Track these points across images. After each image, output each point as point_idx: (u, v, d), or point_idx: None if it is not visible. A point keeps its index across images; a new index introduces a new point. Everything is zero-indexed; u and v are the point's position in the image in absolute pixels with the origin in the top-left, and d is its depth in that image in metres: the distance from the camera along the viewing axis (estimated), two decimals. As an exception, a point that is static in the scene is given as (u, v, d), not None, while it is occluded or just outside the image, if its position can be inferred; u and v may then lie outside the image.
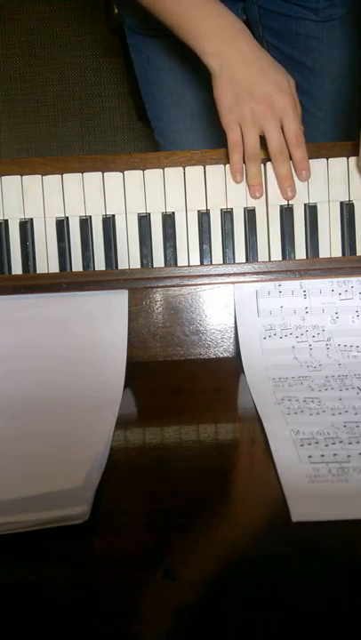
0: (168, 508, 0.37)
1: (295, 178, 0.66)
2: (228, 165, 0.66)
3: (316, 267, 0.64)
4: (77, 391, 0.56)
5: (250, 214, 0.66)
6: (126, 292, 0.64)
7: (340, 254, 0.66)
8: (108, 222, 0.67)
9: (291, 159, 0.65)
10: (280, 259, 0.66)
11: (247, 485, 0.41)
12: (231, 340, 0.65)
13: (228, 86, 0.65)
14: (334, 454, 0.40)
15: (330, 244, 0.66)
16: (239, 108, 0.64)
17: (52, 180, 0.67)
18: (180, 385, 0.60)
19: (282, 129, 0.65)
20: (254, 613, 0.27)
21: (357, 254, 0.66)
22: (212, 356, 0.65)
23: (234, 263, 0.66)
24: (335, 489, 0.37)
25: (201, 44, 0.65)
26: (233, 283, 0.65)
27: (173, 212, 0.67)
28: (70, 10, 1.44)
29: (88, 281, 0.65)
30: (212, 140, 0.90)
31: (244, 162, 0.66)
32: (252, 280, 0.64)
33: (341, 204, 0.66)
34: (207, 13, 0.65)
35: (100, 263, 0.67)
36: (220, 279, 0.65)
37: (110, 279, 0.65)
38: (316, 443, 0.42)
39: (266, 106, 0.63)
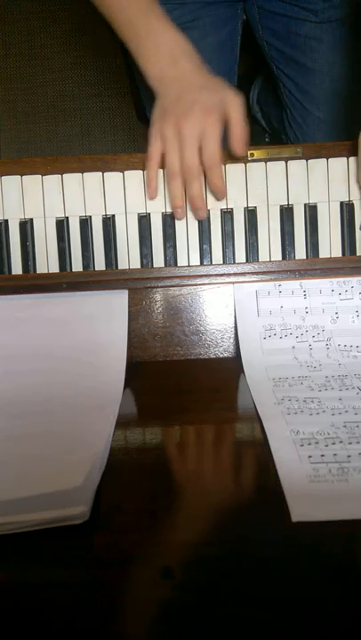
0: (168, 508, 0.37)
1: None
2: (227, 165, 0.66)
3: (316, 267, 0.64)
4: (77, 391, 0.56)
5: (250, 214, 0.66)
6: (126, 292, 0.64)
7: (340, 254, 0.66)
8: (108, 222, 0.67)
9: (206, 181, 0.64)
10: (280, 259, 0.66)
11: (247, 485, 0.41)
12: (231, 340, 0.65)
13: (159, 104, 0.65)
14: (334, 454, 0.40)
15: (330, 244, 0.66)
16: (161, 125, 0.63)
17: (52, 180, 0.67)
18: (180, 385, 0.60)
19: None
20: (254, 613, 0.27)
21: (357, 254, 0.66)
22: (212, 356, 0.65)
23: (234, 263, 0.66)
24: (335, 489, 0.37)
25: (146, 65, 0.66)
26: (233, 283, 0.65)
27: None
28: (70, 10, 1.44)
29: (88, 281, 0.65)
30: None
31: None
32: (252, 280, 0.64)
33: (341, 204, 0.66)
34: (154, 37, 0.65)
35: (100, 263, 0.67)
36: (220, 279, 0.65)
37: (110, 279, 0.65)
38: (316, 443, 0.42)
39: (183, 124, 0.62)
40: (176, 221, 0.67)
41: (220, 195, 0.65)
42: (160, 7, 0.66)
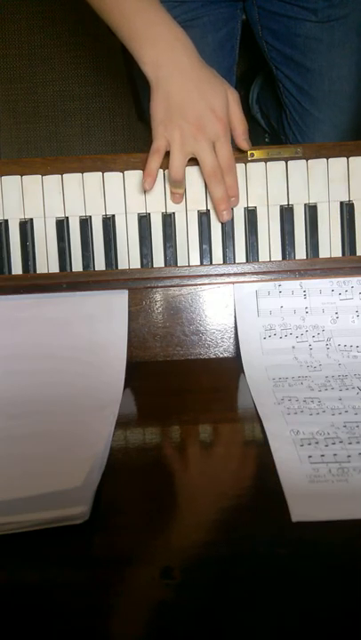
0: (168, 508, 0.37)
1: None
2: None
3: (316, 267, 0.64)
4: (77, 391, 0.56)
5: (250, 214, 0.66)
6: (126, 292, 0.64)
7: (340, 254, 0.66)
8: (108, 222, 0.67)
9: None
10: (280, 259, 0.66)
11: (247, 485, 0.41)
12: (231, 340, 0.65)
13: (163, 100, 0.63)
14: (334, 454, 0.40)
15: (330, 244, 0.66)
16: (170, 126, 0.63)
17: (52, 180, 0.67)
18: (180, 385, 0.60)
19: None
20: (254, 613, 0.27)
21: (357, 254, 0.66)
22: (212, 356, 0.65)
23: (234, 263, 0.66)
24: (335, 489, 0.37)
25: (140, 51, 0.63)
26: (233, 283, 0.65)
27: (173, 212, 0.67)
28: (70, 10, 1.44)
29: (88, 281, 0.65)
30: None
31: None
32: (252, 280, 0.64)
33: (341, 204, 0.66)
34: (148, 20, 0.63)
35: (100, 263, 0.67)
36: (220, 279, 0.65)
37: (110, 279, 0.65)
38: (316, 443, 0.42)
39: (197, 128, 0.62)
40: (176, 221, 0.67)
41: (235, 200, 0.66)
42: None
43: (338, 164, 0.66)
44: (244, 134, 0.65)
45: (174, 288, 0.65)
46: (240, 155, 0.66)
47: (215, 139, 0.63)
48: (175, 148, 0.63)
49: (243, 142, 0.65)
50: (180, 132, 0.63)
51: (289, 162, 0.66)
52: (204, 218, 0.66)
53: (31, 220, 0.67)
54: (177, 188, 0.65)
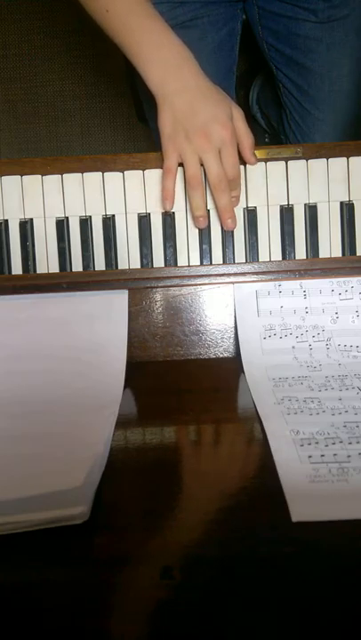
0: (168, 508, 0.37)
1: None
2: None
3: (316, 267, 0.64)
4: (77, 391, 0.56)
5: (250, 214, 0.66)
6: (126, 292, 0.64)
7: (340, 254, 0.66)
8: (108, 222, 0.67)
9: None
10: (280, 259, 0.66)
11: (247, 485, 0.41)
12: (231, 340, 0.65)
13: (169, 114, 0.64)
14: (334, 454, 0.40)
15: (330, 244, 0.66)
16: (178, 139, 0.64)
17: (52, 179, 0.67)
18: (180, 385, 0.60)
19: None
20: (254, 613, 0.27)
21: (357, 254, 0.66)
22: (212, 356, 0.65)
23: (234, 263, 0.66)
24: (335, 489, 0.37)
25: (146, 70, 0.65)
26: (233, 283, 0.65)
27: (173, 212, 0.67)
28: (70, 10, 1.44)
29: (88, 281, 0.65)
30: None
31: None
32: (252, 280, 0.64)
33: (341, 204, 0.66)
34: (155, 41, 0.64)
35: (100, 263, 0.67)
36: (220, 279, 0.65)
37: (110, 279, 0.65)
38: (317, 443, 0.42)
39: (203, 137, 0.62)
40: (176, 221, 0.67)
41: (235, 204, 0.66)
42: (156, 11, 0.66)
43: (338, 164, 0.66)
44: (250, 148, 0.65)
45: (174, 288, 0.65)
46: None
47: (221, 145, 0.63)
48: (187, 157, 0.64)
49: (250, 156, 0.65)
50: (188, 142, 0.63)
51: (289, 162, 0.66)
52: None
53: (31, 220, 0.67)
54: (198, 209, 0.65)
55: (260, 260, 0.66)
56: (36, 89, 1.53)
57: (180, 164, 0.65)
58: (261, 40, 0.94)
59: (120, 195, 0.67)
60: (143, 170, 0.67)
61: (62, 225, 0.67)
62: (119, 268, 0.67)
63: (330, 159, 0.66)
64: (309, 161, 0.66)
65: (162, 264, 0.66)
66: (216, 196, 0.64)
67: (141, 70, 0.65)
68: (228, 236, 0.66)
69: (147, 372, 0.63)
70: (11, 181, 0.67)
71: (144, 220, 0.66)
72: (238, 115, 0.65)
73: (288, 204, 0.66)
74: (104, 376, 0.59)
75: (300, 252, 0.66)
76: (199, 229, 0.66)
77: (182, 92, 0.63)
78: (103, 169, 0.67)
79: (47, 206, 0.67)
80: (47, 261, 0.67)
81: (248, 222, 0.66)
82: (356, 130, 0.94)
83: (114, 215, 0.67)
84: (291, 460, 0.40)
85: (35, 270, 0.67)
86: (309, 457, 0.40)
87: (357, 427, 0.45)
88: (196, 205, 0.65)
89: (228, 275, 0.65)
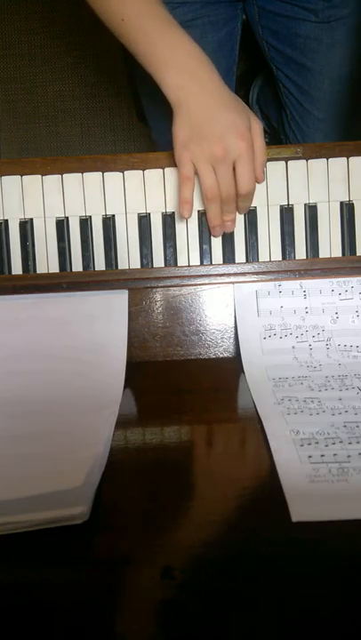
0: (168, 508, 0.37)
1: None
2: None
3: (316, 267, 0.64)
4: (77, 391, 0.56)
5: (250, 214, 0.66)
6: (126, 292, 0.64)
7: (340, 254, 0.66)
8: (108, 222, 0.67)
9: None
10: (280, 259, 0.66)
11: (247, 485, 0.41)
12: (231, 340, 0.65)
13: (185, 121, 0.62)
14: (334, 454, 0.40)
15: (330, 244, 0.66)
16: (193, 147, 0.61)
17: (52, 179, 0.67)
18: (179, 385, 0.60)
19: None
20: (254, 613, 0.27)
21: (357, 254, 0.66)
22: (212, 356, 0.65)
23: (234, 263, 0.66)
24: (335, 489, 0.37)
25: (162, 74, 0.62)
26: (233, 283, 0.65)
27: (173, 212, 0.67)
28: (70, 10, 1.44)
29: (88, 281, 0.65)
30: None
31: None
32: (252, 280, 0.64)
33: (341, 204, 0.66)
34: (170, 42, 0.62)
35: (100, 263, 0.67)
36: (220, 279, 0.65)
37: (110, 279, 0.65)
38: (317, 443, 0.42)
39: (219, 148, 0.60)
40: (176, 221, 0.67)
41: (230, 222, 0.65)
42: (171, 16, 0.64)
43: (338, 164, 0.66)
44: (262, 165, 0.63)
45: (174, 288, 0.65)
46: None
47: (237, 156, 0.61)
48: (202, 168, 0.62)
49: (260, 174, 0.63)
50: (203, 151, 0.61)
51: (289, 162, 0.66)
52: (204, 218, 0.66)
53: (31, 220, 0.67)
54: (215, 219, 0.64)
55: (260, 260, 0.66)
56: (36, 89, 1.53)
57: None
58: (261, 40, 0.94)
59: (120, 195, 0.67)
60: (143, 170, 0.67)
61: (62, 225, 0.67)
62: (119, 268, 0.67)
63: (330, 159, 0.66)
64: (309, 161, 0.66)
65: (162, 264, 0.66)
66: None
67: (157, 75, 0.63)
68: (227, 237, 0.66)
69: (147, 372, 0.63)
70: (11, 181, 0.67)
71: (144, 220, 0.66)
72: (257, 128, 0.62)
73: (288, 204, 0.66)
74: (104, 376, 0.59)
75: (300, 252, 0.66)
76: (199, 229, 0.66)
77: (200, 95, 0.61)
78: (103, 169, 0.67)
79: (47, 206, 0.67)
80: (47, 261, 0.67)
81: (248, 222, 0.66)
82: (356, 130, 0.94)
83: (114, 215, 0.67)
84: (291, 460, 0.40)
85: (35, 270, 0.67)
86: (309, 457, 0.40)
87: (357, 427, 0.45)
88: (215, 215, 0.64)
89: (228, 275, 0.65)
